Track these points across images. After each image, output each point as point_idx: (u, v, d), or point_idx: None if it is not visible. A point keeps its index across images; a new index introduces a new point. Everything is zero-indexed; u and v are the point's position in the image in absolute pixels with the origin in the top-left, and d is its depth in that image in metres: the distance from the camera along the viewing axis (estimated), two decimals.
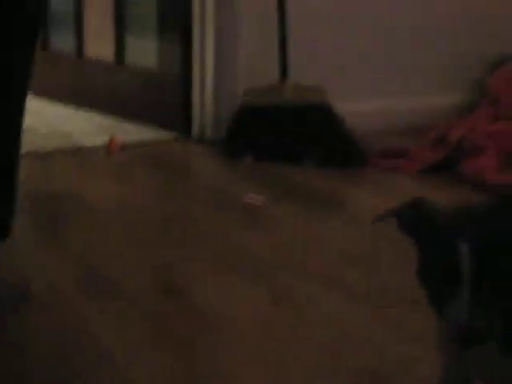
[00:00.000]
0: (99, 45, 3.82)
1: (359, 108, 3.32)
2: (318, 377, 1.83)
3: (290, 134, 2.96)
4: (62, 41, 4.00)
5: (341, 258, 2.36)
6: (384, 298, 2.07)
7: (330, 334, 1.98)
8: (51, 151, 3.17)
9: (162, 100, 3.35)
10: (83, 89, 3.80)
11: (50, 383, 1.78)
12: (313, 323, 2.01)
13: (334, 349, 1.92)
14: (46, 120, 3.59)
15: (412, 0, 3.43)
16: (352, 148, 2.96)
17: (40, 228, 2.59)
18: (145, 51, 3.58)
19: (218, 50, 3.12)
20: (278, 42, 2.99)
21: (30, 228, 2.55)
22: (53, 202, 2.79)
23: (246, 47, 3.13)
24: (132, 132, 3.39)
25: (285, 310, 2.07)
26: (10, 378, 1.83)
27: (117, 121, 3.54)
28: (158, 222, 2.63)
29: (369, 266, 2.31)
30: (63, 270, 2.30)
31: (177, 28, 3.26)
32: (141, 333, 2.01)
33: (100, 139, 3.25)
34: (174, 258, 2.35)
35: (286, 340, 1.94)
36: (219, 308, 2.07)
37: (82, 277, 2.25)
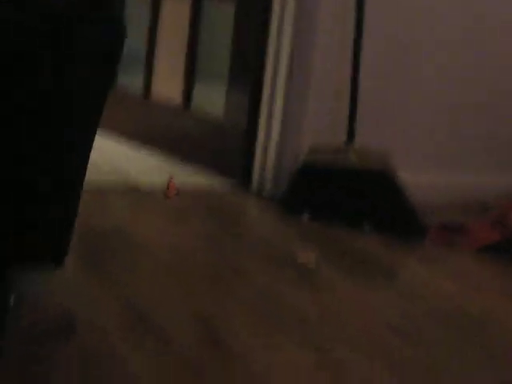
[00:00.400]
0: (167, 86, 3.85)
1: (421, 179, 3.29)
2: None
3: (350, 197, 2.93)
4: (129, 79, 4.05)
5: (388, 329, 2.30)
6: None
7: None
8: (108, 188, 3.18)
9: (225, 147, 3.35)
10: (147, 128, 3.82)
11: None
12: None
13: None
14: (107, 157, 3.61)
15: (477, 78, 3.41)
16: (411, 218, 2.91)
17: (88, 263, 2.58)
18: (212, 98, 3.59)
19: (287, 106, 3.12)
20: (348, 104, 2.98)
21: (79, 262, 2.55)
22: (104, 238, 2.79)
23: (315, 106, 3.13)
24: (191, 176, 3.39)
25: (326, 373, 2.03)
26: None
27: (177, 163, 3.55)
28: (208, 269, 2.61)
29: (413, 339, 2.25)
30: (107, 307, 2.28)
31: (247, 79, 3.27)
32: (180, 380, 1.97)
33: (158, 180, 3.26)
34: (221, 309, 2.31)
35: None
36: (261, 365, 2.04)
37: (125, 316, 2.23)
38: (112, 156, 3.66)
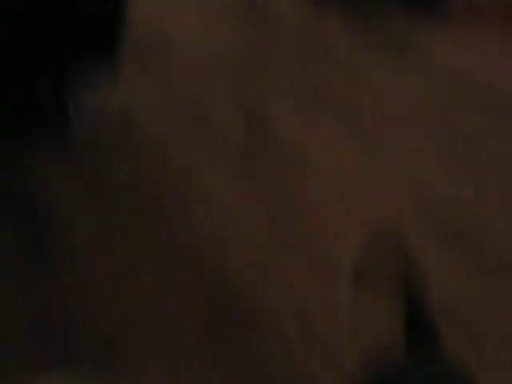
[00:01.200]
0: None
1: None
2: (384, 204, 2.09)
3: None
4: None
5: (416, 107, 2.45)
6: None
7: (396, 173, 2.17)
8: None
9: None
10: None
11: (139, 208, 2.07)
12: (381, 160, 2.21)
13: (398, 183, 2.14)
14: None
15: None
16: None
17: (137, 59, 2.73)
18: None
19: None
20: None
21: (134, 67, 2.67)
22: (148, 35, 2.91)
23: None
24: None
25: (355, 142, 2.24)
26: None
27: None
28: (250, 58, 2.72)
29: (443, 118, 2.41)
30: (156, 98, 2.48)
31: None
32: (229, 162, 2.20)
33: None
34: (264, 98, 2.48)
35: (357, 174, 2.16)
36: (299, 140, 2.25)
37: (179, 115, 2.44)
38: None
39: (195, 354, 1.70)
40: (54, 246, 1.97)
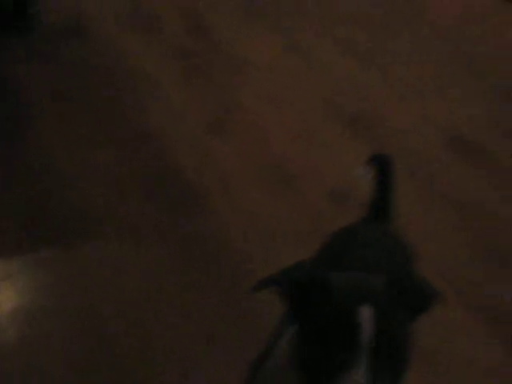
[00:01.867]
0: None
1: None
2: (313, 120, 2.47)
3: None
4: None
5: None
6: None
7: (326, 81, 2.54)
8: None
9: None
10: None
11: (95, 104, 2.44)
12: (314, 70, 2.55)
13: (327, 95, 2.52)
14: None
15: None
16: None
17: None
18: None
19: None
20: None
21: None
22: None
23: None
24: None
25: (294, 54, 2.56)
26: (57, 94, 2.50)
27: None
28: None
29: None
30: (106, 5, 2.69)
31: None
32: (176, 70, 2.54)
33: None
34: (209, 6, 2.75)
35: (291, 85, 2.52)
36: (241, 51, 2.54)
37: (124, 15, 2.67)
38: None
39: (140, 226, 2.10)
40: (23, 130, 2.32)
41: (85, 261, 2.02)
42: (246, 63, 2.53)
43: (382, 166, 1.63)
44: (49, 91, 2.42)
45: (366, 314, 0.98)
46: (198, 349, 1.84)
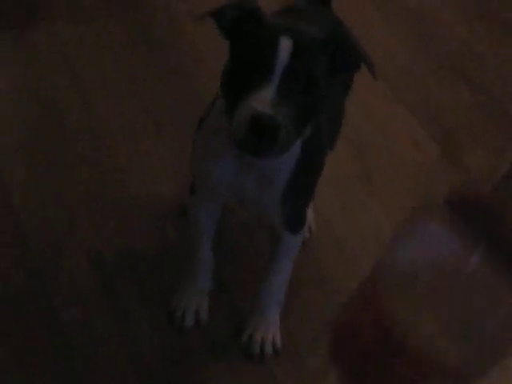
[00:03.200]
0: None
1: None
2: None
3: None
4: None
5: None
6: None
7: None
8: None
9: None
10: None
11: None
12: None
13: None
14: None
15: None
16: None
17: None
18: None
19: None
20: None
21: None
22: None
23: None
24: None
25: None
26: None
27: None
28: None
29: None
30: None
31: None
32: None
33: None
34: None
35: None
36: None
37: None
38: None
39: None
40: None
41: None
42: None
43: None
44: None
45: (285, 43, 1.06)
46: (147, 134, 1.92)
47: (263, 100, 1.03)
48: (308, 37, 1.09)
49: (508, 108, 2.19)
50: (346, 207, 1.85)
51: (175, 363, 1.51)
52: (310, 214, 1.73)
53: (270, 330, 1.53)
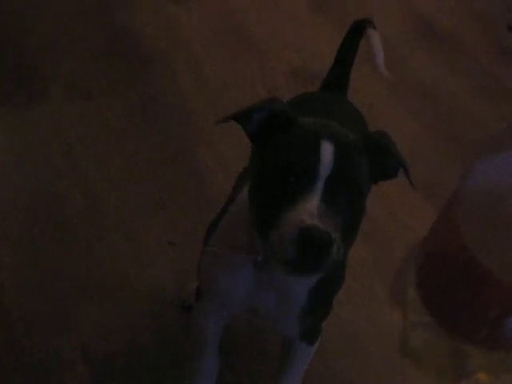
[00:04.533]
0: None
1: None
2: None
3: None
4: None
5: None
6: None
7: None
8: None
9: None
10: None
11: None
12: None
13: None
14: None
15: None
16: None
17: None
18: None
19: None
20: None
21: None
22: None
23: None
24: None
25: None
26: None
27: None
28: None
29: None
30: None
31: None
32: None
33: None
34: None
35: None
36: None
37: None
38: None
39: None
40: None
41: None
42: None
43: (354, 32, 1.55)
44: None
45: (327, 148, 0.94)
46: (146, 211, 1.81)
47: (311, 211, 0.89)
48: (348, 139, 0.97)
49: None
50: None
51: None
52: None
53: None
